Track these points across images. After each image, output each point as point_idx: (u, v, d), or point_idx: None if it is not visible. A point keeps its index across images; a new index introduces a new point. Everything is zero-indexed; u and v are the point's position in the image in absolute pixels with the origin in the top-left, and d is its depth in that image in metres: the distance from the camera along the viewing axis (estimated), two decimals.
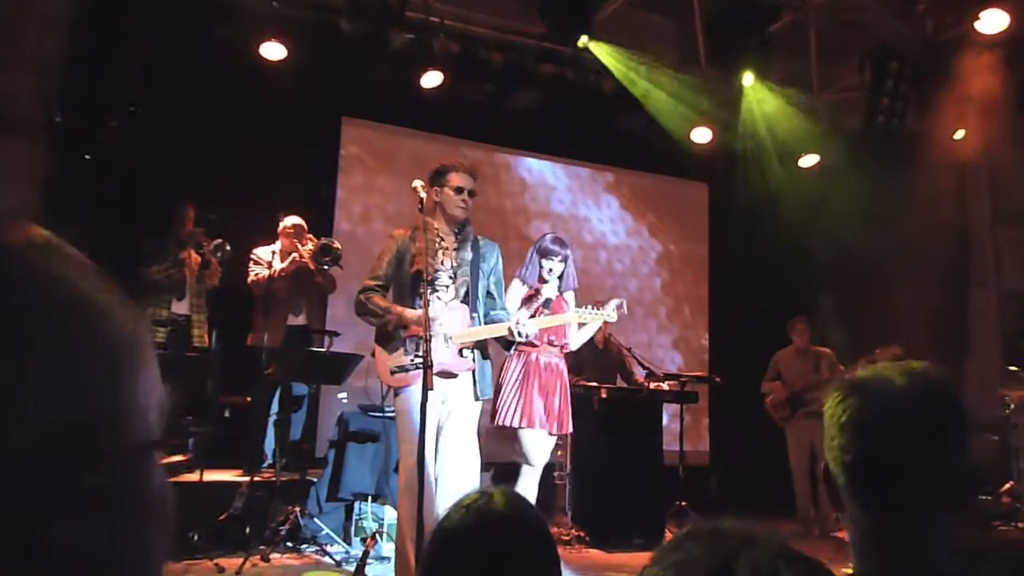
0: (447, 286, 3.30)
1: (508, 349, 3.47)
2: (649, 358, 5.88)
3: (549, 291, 3.96)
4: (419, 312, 3.09)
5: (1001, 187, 6.91)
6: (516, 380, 3.91)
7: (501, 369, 3.94)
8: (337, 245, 5.17)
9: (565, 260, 4.01)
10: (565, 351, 4.09)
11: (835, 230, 6.81)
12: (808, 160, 7.01)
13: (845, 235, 6.73)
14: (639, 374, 5.70)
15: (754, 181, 7.28)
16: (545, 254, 4.00)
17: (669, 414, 6.20)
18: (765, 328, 6.58)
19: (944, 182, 6.60)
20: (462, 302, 3.29)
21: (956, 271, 6.58)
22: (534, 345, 3.93)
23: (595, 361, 5.96)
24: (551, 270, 3.99)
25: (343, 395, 5.87)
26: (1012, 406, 5.78)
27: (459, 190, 3.31)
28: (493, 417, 3.94)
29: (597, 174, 7.79)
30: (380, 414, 4.68)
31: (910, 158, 6.51)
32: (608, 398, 5.27)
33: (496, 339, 3.36)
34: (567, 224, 7.64)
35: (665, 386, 5.58)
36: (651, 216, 7.93)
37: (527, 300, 3.96)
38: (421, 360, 2.81)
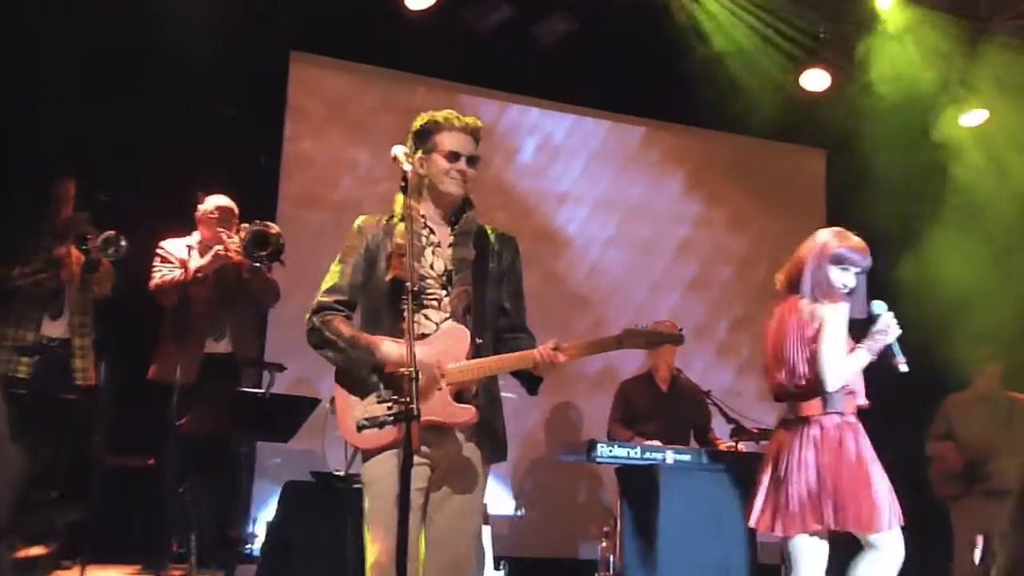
0: (439, 299, 3.24)
1: (532, 390, 3.41)
2: (734, 406, 5.86)
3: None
4: (399, 342, 3.03)
5: None
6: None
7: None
8: (276, 230, 5.13)
9: (864, 274, 3.99)
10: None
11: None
12: (974, 116, 6.93)
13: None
14: (718, 432, 5.88)
15: (893, 145, 7.22)
16: (840, 261, 3.97)
17: None
18: (924, 359, 6.55)
19: None
20: (461, 321, 3.22)
21: None
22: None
23: (658, 409, 5.96)
24: (844, 286, 3.97)
25: (278, 460, 5.87)
26: None
27: (453, 156, 3.26)
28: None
29: (653, 135, 7.77)
30: (343, 485, 4.65)
31: None
32: (676, 464, 5.38)
33: (515, 375, 3.30)
34: (610, 208, 7.64)
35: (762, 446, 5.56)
36: (739, 197, 7.91)
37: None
38: (402, 410, 2.74)
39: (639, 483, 5.33)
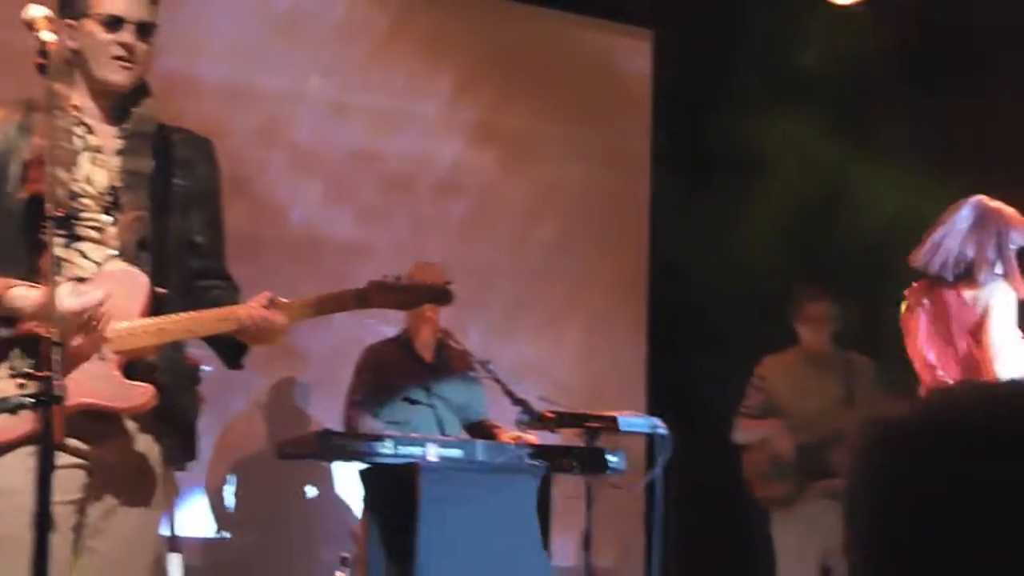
0: (100, 228, 3.22)
1: (235, 362, 3.46)
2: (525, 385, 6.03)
3: None
4: (40, 287, 2.99)
5: None
6: None
7: None
8: None
9: None
10: None
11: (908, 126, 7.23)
12: None
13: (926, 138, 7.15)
14: (506, 419, 5.93)
15: (739, 25, 7.58)
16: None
17: (566, 495, 6.36)
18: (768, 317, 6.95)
19: None
20: (133, 262, 3.22)
21: None
22: None
23: (418, 387, 6.08)
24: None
25: None
26: None
27: (113, 23, 3.22)
28: None
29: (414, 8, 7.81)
30: None
31: None
32: (443, 462, 5.49)
33: (210, 341, 3.33)
34: (349, 113, 7.64)
35: (557, 439, 5.86)
36: (529, 100, 8.06)
37: None
38: (41, 388, 2.73)
39: (391, 489, 5.43)
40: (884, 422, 1.24)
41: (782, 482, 6.36)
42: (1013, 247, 4.78)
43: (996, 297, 4.69)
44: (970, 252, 4.72)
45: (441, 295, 3.57)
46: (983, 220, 4.78)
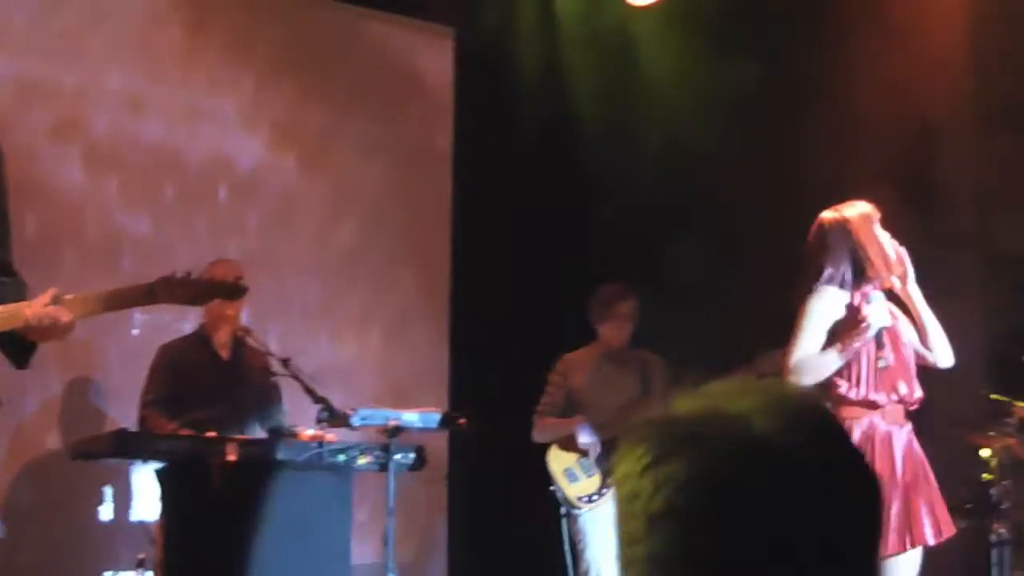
0: None
1: (21, 362, 3.39)
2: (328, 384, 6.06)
3: (880, 315, 4.88)
4: None
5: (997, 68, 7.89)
6: None
7: None
8: None
9: None
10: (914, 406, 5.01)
11: (688, 127, 7.42)
12: None
13: (704, 139, 7.33)
14: (306, 417, 5.93)
15: (534, 23, 7.70)
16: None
17: (367, 493, 6.39)
18: (569, 311, 7.05)
19: (904, 52, 7.38)
20: None
21: (911, 213, 7.43)
22: (874, 405, 4.87)
23: (217, 385, 6.03)
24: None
25: None
26: (993, 464, 6.63)
27: None
28: None
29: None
30: None
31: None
32: (242, 461, 5.44)
33: None
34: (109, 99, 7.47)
35: (357, 436, 5.85)
36: (329, 95, 8.02)
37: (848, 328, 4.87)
38: None
39: (188, 489, 5.40)
40: (648, 421, 1.26)
41: (589, 478, 6.48)
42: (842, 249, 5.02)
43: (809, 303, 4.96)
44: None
45: (231, 290, 3.57)
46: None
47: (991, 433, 6.41)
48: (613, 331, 6.68)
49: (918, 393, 4.98)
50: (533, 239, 7.72)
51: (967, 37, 7.19)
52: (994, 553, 6.35)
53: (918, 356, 5.07)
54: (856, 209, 5.00)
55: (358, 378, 7.61)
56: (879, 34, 6.97)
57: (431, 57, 8.52)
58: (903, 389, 4.92)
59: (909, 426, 4.98)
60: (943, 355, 5.09)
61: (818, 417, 1.25)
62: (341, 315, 8.03)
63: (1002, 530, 6.30)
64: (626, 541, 1.21)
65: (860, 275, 4.92)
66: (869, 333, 4.82)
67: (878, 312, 4.85)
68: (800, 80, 7.25)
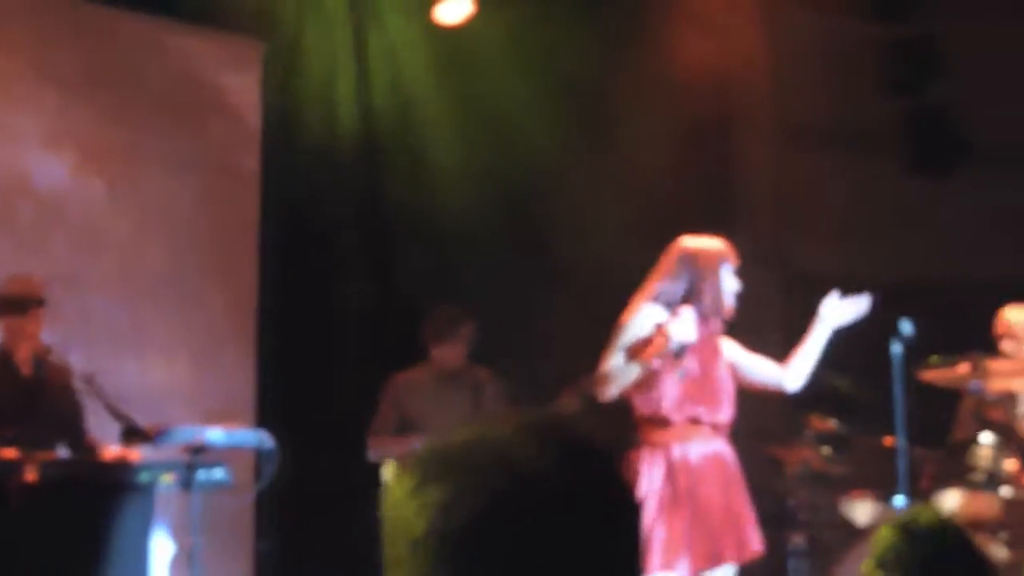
0: None
1: None
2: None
3: (683, 330, 4.96)
4: None
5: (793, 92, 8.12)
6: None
7: None
8: None
9: None
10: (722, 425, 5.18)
11: (499, 145, 7.58)
12: (452, 9, 7.57)
13: (515, 154, 7.45)
14: (109, 435, 5.86)
15: (344, 40, 7.73)
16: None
17: (172, 512, 6.29)
18: (388, 330, 7.15)
19: (700, 74, 7.56)
20: None
21: (710, 233, 7.63)
22: (668, 422, 5.04)
23: (19, 404, 5.97)
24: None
25: None
26: (791, 475, 6.80)
27: None
28: None
29: None
30: None
31: (643, 24, 7.43)
32: (42, 481, 5.33)
33: None
34: None
35: (161, 455, 5.80)
36: (136, 118, 7.87)
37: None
38: None
39: None
40: (420, 450, 1.31)
41: None
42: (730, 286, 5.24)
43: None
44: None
45: (21, 304, 3.52)
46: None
47: (790, 446, 6.63)
48: (449, 352, 6.77)
49: (726, 412, 5.15)
50: (340, 260, 7.76)
51: (766, 61, 7.44)
52: (791, 562, 6.55)
53: (754, 380, 5.35)
54: (712, 245, 5.21)
55: (165, 403, 7.48)
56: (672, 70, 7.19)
57: (239, 72, 8.36)
58: (708, 407, 5.09)
59: (719, 444, 5.13)
60: (795, 381, 5.41)
61: (574, 442, 1.29)
62: (148, 339, 7.90)
63: (799, 541, 6.50)
64: (390, 564, 1.25)
65: (687, 302, 5.08)
66: (669, 346, 4.94)
67: (681, 327, 4.96)
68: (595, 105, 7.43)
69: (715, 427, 5.12)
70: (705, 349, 5.11)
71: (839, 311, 5.44)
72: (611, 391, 5.05)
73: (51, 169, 7.64)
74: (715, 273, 5.14)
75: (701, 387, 5.08)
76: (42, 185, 7.62)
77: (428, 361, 6.84)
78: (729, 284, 5.19)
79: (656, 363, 4.96)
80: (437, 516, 1.21)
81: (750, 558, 5.14)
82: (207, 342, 8.12)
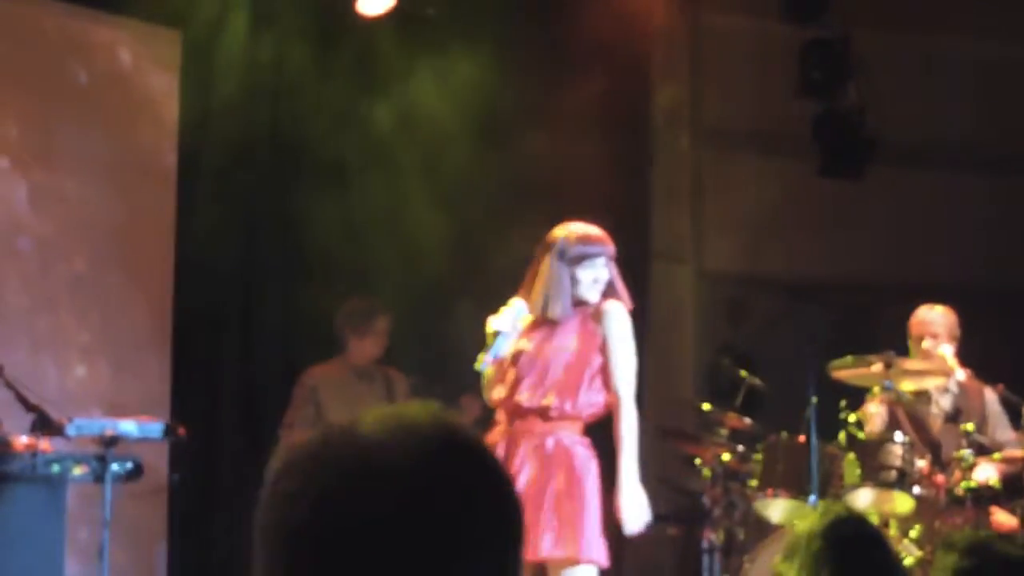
0: None
1: None
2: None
3: (501, 320, 4.93)
4: None
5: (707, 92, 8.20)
6: None
7: None
8: None
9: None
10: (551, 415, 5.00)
11: (418, 142, 7.56)
12: (373, 2, 7.52)
13: (433, 150, 7.48)
14: (19, 427, 5.70)
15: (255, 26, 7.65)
16: (579, 260, 5.05)
17: (82, 506, 6.25)
18: (307, 323, 7.10)
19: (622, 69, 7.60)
20: None
21: (626, 230, 7.67)
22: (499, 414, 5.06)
23: None
24: (595, 280, 5.09)
25: None
26: (704, 472, 6.84)
27: None
28: None
29: None
30: None
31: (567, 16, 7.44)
32: None
33: None
34: None
35: (73, 447, 5.69)
36: (41, 104, 7.69)
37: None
38: None
39: None
40: (293, 448, 1.31)
41: None
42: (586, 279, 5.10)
43: None
44: None
45: None
46: None
47: (703, 442, 6.68)
48: (368, 346, 6.75)
49: (557, 400, 4.97)
50: (254, 259, 7.70)
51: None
52: (705, 559, 6.61)
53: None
54: (560, 230, 5.10)
55: (84, 403, 7.33)
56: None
57: (157, 64, 8.10)
58: (531, 393, 4.98)
59: (554, 438, 4.96)
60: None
61: (434, 437, 1.28)
62: (67, 340, 7.79)
63: (712, 537, 6.55)
64: (255, 557, 1.26)
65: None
66: (491, 339, 4.92)
67: (501, 318, 4.92)
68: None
69: (545, 416, 4.99)
70: (541, 337, 5.05)
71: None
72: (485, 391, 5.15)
73: None
74: (542, 258, 5.06)
75: (528, 374, 5.00)
76: None
77: (344, 354, 6.81)
78: (554, 273, 5.04)
79: (488, 358, 4.92)
80: (285, 506, 1.23)
81: (545, 561, 4.89)
82: (124, 343, 7.97)
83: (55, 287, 7.72)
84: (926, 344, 6.34)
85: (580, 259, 5.04)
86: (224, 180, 7.86)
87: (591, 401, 4.99)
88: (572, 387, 4.97)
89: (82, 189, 7.80)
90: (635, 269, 6.13)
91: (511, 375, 4.99)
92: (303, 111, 7.69)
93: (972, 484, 5.85)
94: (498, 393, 5.06)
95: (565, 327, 5.03)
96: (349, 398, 6.64)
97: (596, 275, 5.07)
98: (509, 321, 4.90)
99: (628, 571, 7.38)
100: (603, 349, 5.02)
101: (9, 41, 7.59)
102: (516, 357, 4.99)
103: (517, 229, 5.81)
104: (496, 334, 4.88)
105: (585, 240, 5.06)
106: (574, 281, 5.02)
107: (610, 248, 5.13)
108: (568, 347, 4.99)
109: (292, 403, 6.70)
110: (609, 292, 5.11)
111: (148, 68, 8.10)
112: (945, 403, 6.42)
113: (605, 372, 5.02)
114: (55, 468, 5.51)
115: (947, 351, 6.30)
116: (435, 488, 1.24)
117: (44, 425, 5.59)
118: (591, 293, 5.05)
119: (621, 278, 5.18)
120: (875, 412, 6.40)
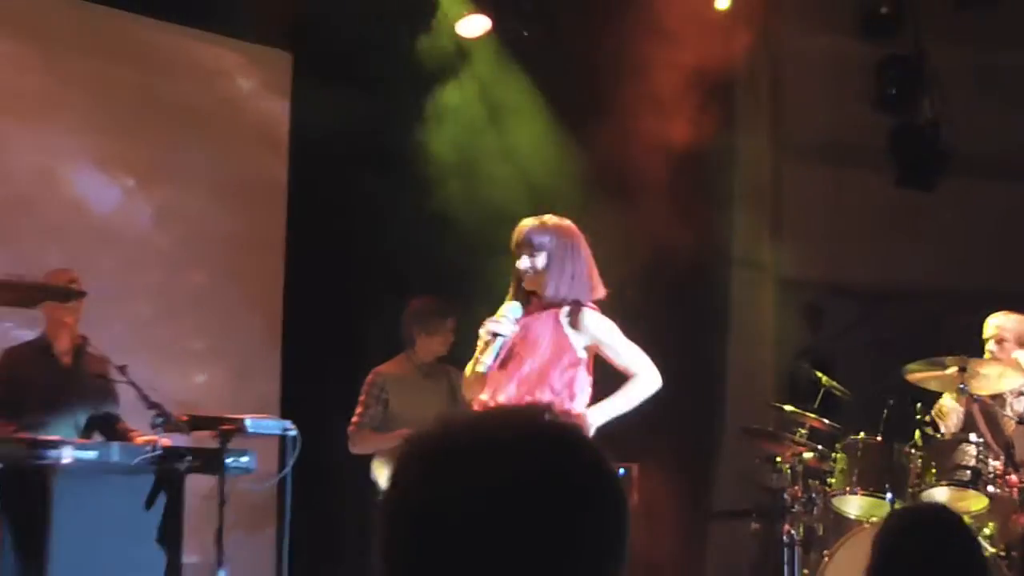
0: None
1: None
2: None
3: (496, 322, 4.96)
4: None
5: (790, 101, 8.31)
6: None
7: None
8: None
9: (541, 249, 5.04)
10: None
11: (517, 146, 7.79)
12: (472, 24, 7.81)
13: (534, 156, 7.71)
14: (142, 423, 5.96)
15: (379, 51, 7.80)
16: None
17: (200, 496, 6.32)
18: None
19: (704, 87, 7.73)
20: None
21: (699, 236, 7.75)
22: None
23: (58, 391, 6.12)
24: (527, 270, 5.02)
25: None
26: (785, 470, 6.98)
27: None
28: None
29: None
30: None
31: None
32: (77, 464, 5.45)
33: None
34: None
35: (191, 441, 5.89)
36: (149, 126, 7.91)
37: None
38: None
39: (25, 492, 5.39)
40: (420, 435, 1.40)
41: None
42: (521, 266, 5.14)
43: None
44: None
45: (63, 293, 3.60)
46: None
47: (784, 441, 6.82)
48: (436, 345, 6.80)
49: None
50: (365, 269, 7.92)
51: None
52: (785, 553, 6.73)
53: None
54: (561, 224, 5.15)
55: (202, 407, 7.48)
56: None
57: (269, 85, 8.29)
58: (508, 397, 5.03)
59: None
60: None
61: (543, 424, 1.38)
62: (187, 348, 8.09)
63: (792, 532, 6.68)
64: (386, 542, 1.34)
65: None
66: (485, 341, 5.02)
67: (500, 323, 5.02)
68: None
69: None
70: (523, 335, 5.08)
71: None
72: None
73: (104, 191, 7.75)
74: (515, 252, 5.11)
75: (508, 374, 5.08)
76: (97, 206, 7.74)
77: (411, 353, 6.89)
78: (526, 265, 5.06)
79: (488, 361, 5.00)
80: (411, 492, 1.32)
81: None
82: (240, 350, 8.21)
83: (176, 298, 7.94)
84: (999, 348, 6.49)
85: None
86: (331, 196, 8.04)
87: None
88: (544, 388, 5.02)
89: (201, 206, 7.98)
90: (717, 276, 6.27)
91: (495, 377, 5.05)
92: (408, 123, 7.87)
93: None
94: (484, 396, 5.09)
95: (538, 326, 5.06)
96: (416, 395, 6.73)
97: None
98: (508, 325, 5.01)
99: (711, 563, 7.58)
100: (589, 350, 5.06)
101: (139, 68, 7.83)
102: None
103: (594, 231, 5.85)
104: (495, 337, 4.98)
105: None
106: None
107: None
108: (542, 351, 5.03)
109: (361, 400, 6.78)
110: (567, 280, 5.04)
111: (262, 90, 8.29)
112: (1019, 406, 6.50)
113: (589, 370, 5.08)
114: (174, 461, 5.71)
115: (1021, 356, 6.45)
116: (552, 467, 1.30)
117: (165, 421, 5.68)
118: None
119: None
120: (950, 410, 6.51)
